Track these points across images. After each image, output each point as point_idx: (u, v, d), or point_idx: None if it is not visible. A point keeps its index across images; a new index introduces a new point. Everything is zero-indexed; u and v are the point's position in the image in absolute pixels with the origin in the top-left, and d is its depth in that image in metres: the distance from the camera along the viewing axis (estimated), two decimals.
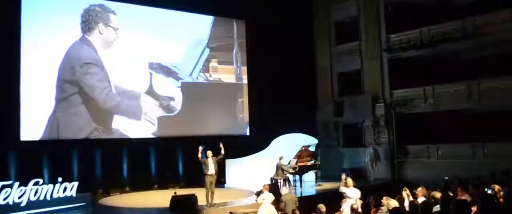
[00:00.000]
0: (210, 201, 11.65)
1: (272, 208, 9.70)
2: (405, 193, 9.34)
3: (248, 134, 19.04)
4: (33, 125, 14.02)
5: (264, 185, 10.62)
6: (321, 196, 13.03)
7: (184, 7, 17.41)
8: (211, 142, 12.73)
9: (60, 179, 12.33)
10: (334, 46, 20.32)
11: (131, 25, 16.24)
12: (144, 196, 14.69)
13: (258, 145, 17.12)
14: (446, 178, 13.21)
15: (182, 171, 16.98)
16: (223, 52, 18.76)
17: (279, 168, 14.24)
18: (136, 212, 12.50)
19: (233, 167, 16.26)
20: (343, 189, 10.09)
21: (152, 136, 16.53)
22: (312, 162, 15.91)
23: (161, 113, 16.76)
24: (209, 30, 18.37)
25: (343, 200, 9.88)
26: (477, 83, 15.82)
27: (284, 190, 10.88)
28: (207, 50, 18.20)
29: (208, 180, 11.73)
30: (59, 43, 14.68)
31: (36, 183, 11.89)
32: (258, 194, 10.95)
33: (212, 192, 11.76)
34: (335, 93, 20.19)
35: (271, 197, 10.20)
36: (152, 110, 16.55)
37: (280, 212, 9.84)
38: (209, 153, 12.03)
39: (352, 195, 9.89)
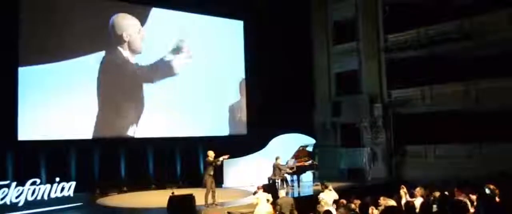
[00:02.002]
0: (213, 201, 11.64)
1: (269, 207, 9.69)
2: (403, 191, 9.35)
3: (246, 133, 19.02)
4: (30, 124, 13.95)
5: (258, 186, 10.61)
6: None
7: (184, 7, 17.41)
8: (211, 142, 12.70)
9: (57, 179, 12.37)
10: (332, 46, 20.33)
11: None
12: (141, 196, 14.67)
13: (256, 145, 17.10)
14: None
15: (179, 171, 16.96)
16: (222, 52, 18.72)
17: (276, 168, 14.26)
18: (133, 212, 12.47)
19: (231, 167, 16.23)
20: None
21: (150, 136, 16.50)
22: (310, 162, 15.94)
23: (159, 112, 16.72)
24: (209, 30, 18.34)
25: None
26: (474, 84, 15.88)
27: (281, 193, 10.86)
28: (207, 50, 18.15)
29: (210, 180, 11.73)
30: (58, 41, 14.63)
31: (34, 183, 11.92)
32: (255, 194, 10.93)
33: (214, 191, 11.75)
34: (333, 94, 20.19)
35: (267, 196, 10.16)
36: (151, 109, 16.53)
37: (276, 212, 9.83)
38: (211, 153, 11.98)
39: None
